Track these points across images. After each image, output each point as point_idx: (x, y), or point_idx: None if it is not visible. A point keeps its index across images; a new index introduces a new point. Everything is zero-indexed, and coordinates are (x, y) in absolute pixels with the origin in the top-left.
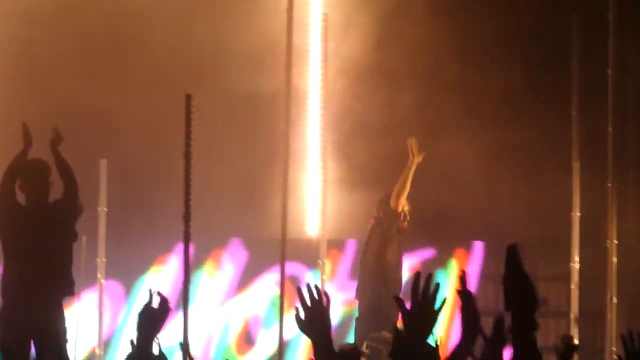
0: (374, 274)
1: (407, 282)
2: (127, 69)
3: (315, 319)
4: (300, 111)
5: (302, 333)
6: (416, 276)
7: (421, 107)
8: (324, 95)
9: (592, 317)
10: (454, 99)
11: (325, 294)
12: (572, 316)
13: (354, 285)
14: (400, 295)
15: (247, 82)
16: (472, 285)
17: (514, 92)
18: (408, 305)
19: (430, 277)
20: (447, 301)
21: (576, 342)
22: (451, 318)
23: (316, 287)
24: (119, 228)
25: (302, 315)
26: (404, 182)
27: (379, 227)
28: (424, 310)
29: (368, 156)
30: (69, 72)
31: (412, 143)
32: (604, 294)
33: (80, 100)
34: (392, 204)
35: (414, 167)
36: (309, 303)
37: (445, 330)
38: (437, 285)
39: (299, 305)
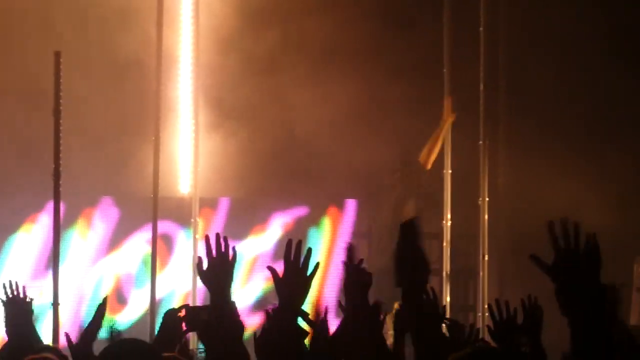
0: (391, 231)
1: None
2: None
3: (217, 271)
4: (171, 65)
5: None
6: (288, 243)
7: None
8: (197, 51)
9: (464, 274)
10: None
11: (233, 248)
12: (444, 274)
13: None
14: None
15: (117, 40)
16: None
17: (384, 47)
18: (281, 273)
19: (300, 243)
20: (318, 266)
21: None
22: (323, 281)
23: (225, 238)
24: None
25: (204, 265)
26: (436, 140)
27: (401, 184)
28: (297, 277)
29: (240, 111)
30: None
31: (448, 103)
32: (476, 252)
33: None
34: (421, 160)
35: (446, 127)
36: (214, 253)
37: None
38: (309, 250)
39: (202, 254)
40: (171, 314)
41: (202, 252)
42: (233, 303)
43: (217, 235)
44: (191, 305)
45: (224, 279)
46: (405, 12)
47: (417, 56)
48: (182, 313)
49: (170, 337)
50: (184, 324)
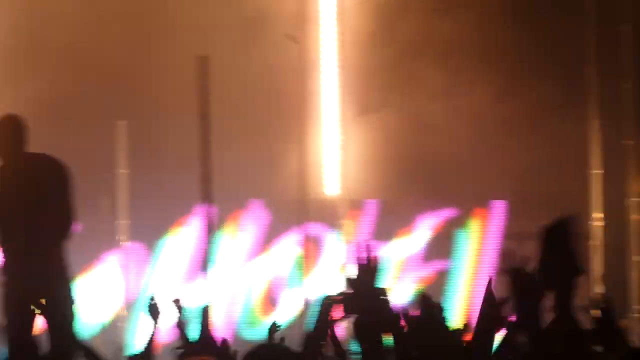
0: None
1: None
2: (144, 32)
3: (365, 279)
4: (314, 68)
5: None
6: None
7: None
8: (341, 54)
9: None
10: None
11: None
12: (593, 275)
13: (375, 244)
14: None
15: (262, 45)
16: (493, 245)
17: (528, 50)
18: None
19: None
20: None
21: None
22: (472, 282)
23: (370, 246)
24: (139, 190)
25: (352, 273)
26: None
27: None
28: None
29: (385, 114)
30: (86, 36)
31: None
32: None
33: (98, 63)
34: None
35: None
36: (363, 261)
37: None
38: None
39: (350, 262)
40: (325, 300)
41: (350, 257)
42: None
43: (362, 243)
44: (347, 293)
45: (371, 285)
46: (547, 10)
47: (560, 55)
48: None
49: (325, 324)
50: (336, 312)
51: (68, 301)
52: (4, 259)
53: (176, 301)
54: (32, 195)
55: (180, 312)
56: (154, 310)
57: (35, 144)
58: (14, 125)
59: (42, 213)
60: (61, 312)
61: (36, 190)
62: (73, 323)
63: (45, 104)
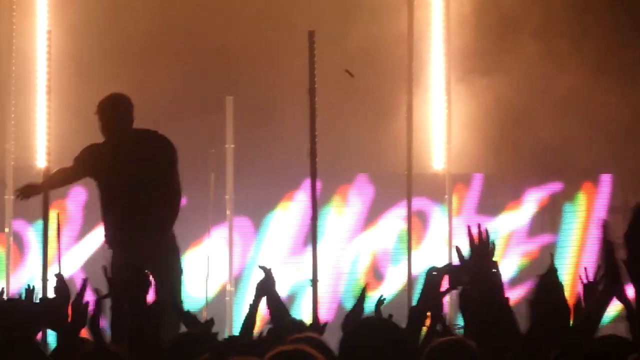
0: None
1: None
2: (250, 6)
3: (480, 260)
4: (424, 41)
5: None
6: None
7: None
8: (446, 29)
9: None
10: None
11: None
12: None
13: (481, 219)
14: None
15: (366, 17)
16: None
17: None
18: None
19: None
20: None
21: None
22: (578, 257)
23: (486, 229)
24: (246, 165)
25: (466, 254)
26: None
27: None
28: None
29: (493, 89)
30: (192, 13)
31: None
32: None
33: (206, 39)
34: None
35: None
36: (476, 243)
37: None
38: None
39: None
40: (431, 272)
41: (461, 224)
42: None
43: (479, 225)
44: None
45: (487, 268)
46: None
47: None
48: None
49: (431, 296)
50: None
51: (176, 275)
52: (112, 232)
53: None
54: (143, 169)
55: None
56: (263, 286)
57: (144, 119)
58: (122, 103)
59: (152, 188)
60: (169, 286)
61: (146, 165)
62: (180, 296)
63: (153, 82)
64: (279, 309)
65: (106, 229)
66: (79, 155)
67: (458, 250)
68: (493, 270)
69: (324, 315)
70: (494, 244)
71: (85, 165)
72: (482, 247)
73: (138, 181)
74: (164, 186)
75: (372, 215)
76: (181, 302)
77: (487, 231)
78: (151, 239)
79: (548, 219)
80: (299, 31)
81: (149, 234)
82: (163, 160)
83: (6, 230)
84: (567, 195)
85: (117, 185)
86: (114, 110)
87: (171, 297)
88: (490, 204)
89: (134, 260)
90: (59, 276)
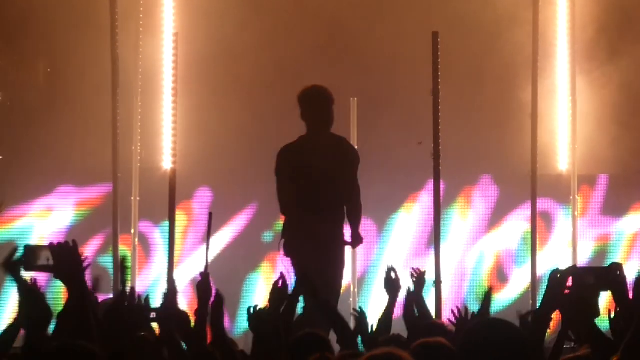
0: None
1: None
2: (373, 6)
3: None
4: (548, 42)
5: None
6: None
7: None
8: (571, 29)
9: None
10: None
11: None
12: None
13: (605, 221)
14: None
15: (491, 16)
16: None
17: None
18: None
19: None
20: None
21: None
22: None
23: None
24: (371, 166)
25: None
26: None
27: None
28: None
29: (618, 90)
30: (317, 15)
31: None
32: None
33: (330, 40)
34: None
35: None
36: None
37: None
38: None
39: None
40: (554, 274)
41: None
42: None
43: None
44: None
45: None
46: None
47: None
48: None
49: (555, 298)
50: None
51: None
52: (298, 223)
53: (419, 276)
54: (341, 170)
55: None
56: (393, 285)
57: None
58: (332, 101)
59: (340, 189)
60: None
61: (342, 166)
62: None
63: (277, 85)
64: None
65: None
66: (280, 166)
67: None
68: (618, 272)
69: (448, 315)
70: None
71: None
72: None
73: (333, 181)
74: (350, 190)
75: (496, 216)
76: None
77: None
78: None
79: None
80: (422, 32)
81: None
82: (353, 166)
83: (132, 231)
84: None
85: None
86: (326, 103)
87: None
88: (616, 205)
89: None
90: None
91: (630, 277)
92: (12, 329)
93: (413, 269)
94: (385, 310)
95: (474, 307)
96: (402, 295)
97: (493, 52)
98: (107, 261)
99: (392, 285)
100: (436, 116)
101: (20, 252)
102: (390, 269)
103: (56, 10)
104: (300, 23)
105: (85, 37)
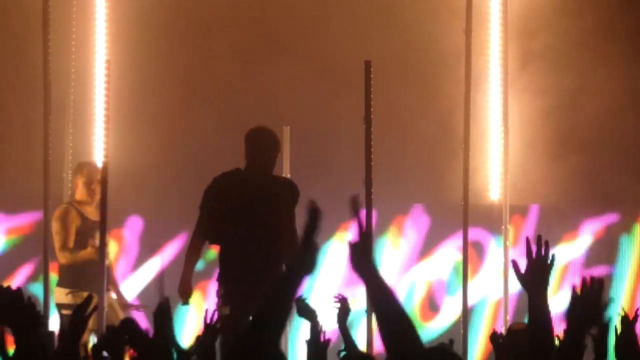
0: None
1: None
2: (302, 41)
3: (536, 273)
4: (480, 73)
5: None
6: (527, 240)
7: None
8: (503, 53)
9: None
10: None
11: (552, 254)
12: None
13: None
14: None
15: (423, 45)
16: None
17: None
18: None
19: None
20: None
21: None
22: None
23: (546, 242)
24: (301, 195)
25: (522, 267)
26: None
27: None
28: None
29: (549, 120)
30: (244, 56)
31: None
32: None
33: (261, 69)
34: None
35: None
36: (534, 255)
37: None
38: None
39: (519, 257)
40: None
41: (518, 255)
42: (547, 308)
43: (539, 237)
44: None
45: (542, 282)
46: None
47: None
48: None
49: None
50: None
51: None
52: (232, 266)
53: (342, 302)
54: (274, 209)
55: (344, 314)
56: (306, 311)
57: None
58: (277, 142)
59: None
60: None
61: (276, 205)
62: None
63: (211, 112)
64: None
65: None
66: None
67: (515, 264)
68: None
69: (379, 345)
70: (553, 257)
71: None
72: (540, 265)
73: (269, 220)
74: (287, 231)
75: (428, 245)
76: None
77: (547, 243)
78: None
79: (604, 251)
80: (354, 60)
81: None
82: (291, 205)
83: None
84: (624, 226)
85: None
86: (270, 148)
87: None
88: (547, 235)
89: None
90: None
91: (559, 308)
92: None
93: (335, 295)
94: (310, 337)
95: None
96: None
97: (427, 82)
98: (37, 289)
99: (305, 312)
100: (368, 144)
101: None
102: (299, 299)
103: None
104: (230, 51)
105: (17, 51)
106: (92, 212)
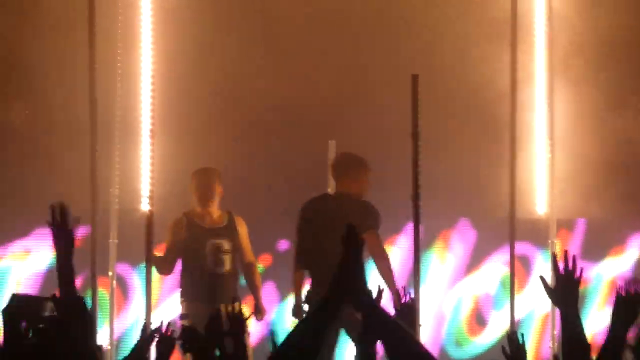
0: None
1: None
2: (351, 51)
3: (565, 288)
4: (528, 88)
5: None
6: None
7: None
8: (549, 64)
9: None
10: None
11: (581, 268)
12: None
13: (584, 265)
14: None
15: (471, 60)
16: None
17: None
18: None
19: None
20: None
21: None
22: None
23: (573, 257)
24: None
25: (552, 283)
26: None
27: None
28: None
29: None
30: (289, 69)
31: None
32: None
33: (307, 86)
34: None
35: None
36: (561, 271)
37: None
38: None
39: (550, 273)
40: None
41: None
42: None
43: (566, 252)
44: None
45: (572, 297)
46: None
47: None
48: None
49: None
50: None
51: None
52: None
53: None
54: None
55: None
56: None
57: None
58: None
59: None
60: None
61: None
62: None
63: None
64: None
65: None
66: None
67: (543, 280)
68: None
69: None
70: (581, 272)
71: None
72: (570, 282)
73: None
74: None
75: (475, 259)
76: None
77: (574, 258)
78: None
79: None
80: (403, 73)
81: None
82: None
83: (110, 273)
84: None
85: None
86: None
87: None
88: (594, 249)
89: None
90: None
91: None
92: None
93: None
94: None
95: (453, 351)
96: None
97: (473, 94)
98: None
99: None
100: (415, 158)
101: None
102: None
103: (38, 53)
104: (276, 61)
105: (64, 78)
106: (208, 220)
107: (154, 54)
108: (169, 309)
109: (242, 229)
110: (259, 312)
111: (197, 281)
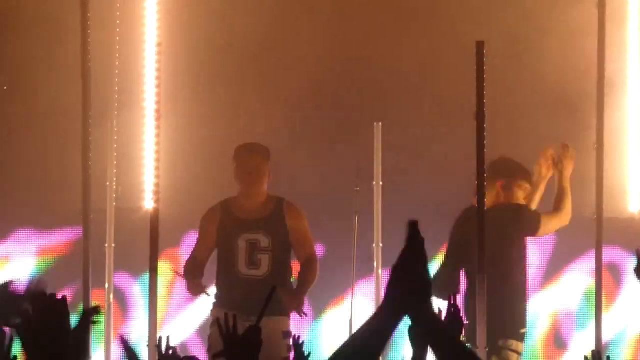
0: None
1: None
2: (405, 19)
3: None
4: (615, 67)
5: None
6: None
7: None
8: None
9: None
10: None
11: None
12: None
13: None
14: None
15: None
16: None
17: None
18: None
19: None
20: None
21: None
22: None
23: None
24: (397, 200)
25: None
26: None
27: None
28: None
29: None
30: (343, 31)
31: None
32: None
33: (352, 63)
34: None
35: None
36: None
37: None
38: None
39: None
40: None
41: None
42: None
43: None
44: None
45: None
46: None
47: None
48: None
49: None
50: None
51: None
52: None
53: None
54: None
55: None
56: None
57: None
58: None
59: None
60: None
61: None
62: None
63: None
64: None
65: None
66: None
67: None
68: None
69: None
70: None
71: None
72: None
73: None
74: None
75: (553, 268)
76: None
77: None
78: None
79: None
80: (460, 47)
81: None
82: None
83: (106, 285)
84: None
85: None
86: None
87: None
88: None
89: None
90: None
91: None
92: None
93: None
94: None
95: None
96: None
97: (558, 79)
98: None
99: None
100: (480, 144)
101: None
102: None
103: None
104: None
105: (53, 51)
106: (247, 209)
107: (159, 18)
108: (178, 329)
109: (294, 221)
110: (294, 302)
111: (229, 286)
